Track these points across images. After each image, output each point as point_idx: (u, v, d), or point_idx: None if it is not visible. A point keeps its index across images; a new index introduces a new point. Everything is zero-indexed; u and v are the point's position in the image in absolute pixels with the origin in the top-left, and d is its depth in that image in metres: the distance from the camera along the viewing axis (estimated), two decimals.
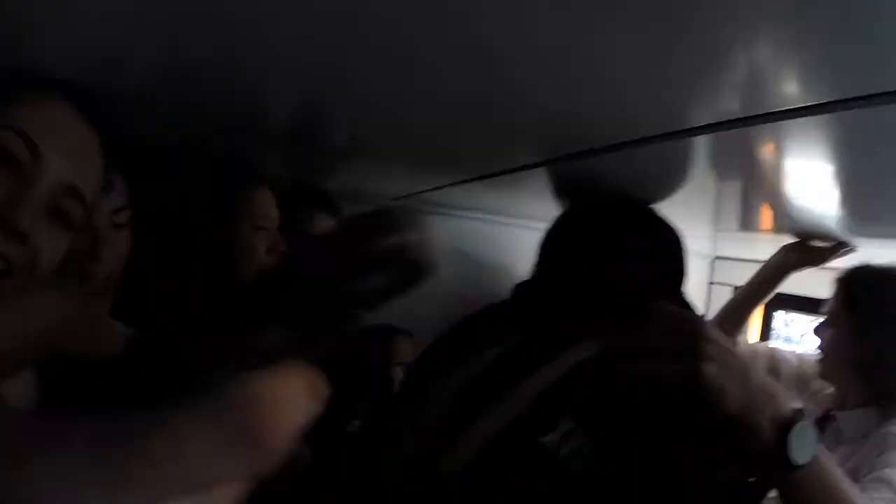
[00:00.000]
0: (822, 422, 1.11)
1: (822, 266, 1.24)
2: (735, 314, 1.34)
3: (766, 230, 1.30)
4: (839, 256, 1.20)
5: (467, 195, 1.34)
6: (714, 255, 1.83)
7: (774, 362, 1.31)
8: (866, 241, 1.15)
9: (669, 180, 0.85)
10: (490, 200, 1.43)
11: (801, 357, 1.32)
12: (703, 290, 1.86)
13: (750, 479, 0.64)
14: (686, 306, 0.74)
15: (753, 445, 0.59)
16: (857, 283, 1.13)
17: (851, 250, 1.17)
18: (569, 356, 0.64)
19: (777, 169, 0.73)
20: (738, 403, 0.58)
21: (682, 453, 0.60)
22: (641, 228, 0.81)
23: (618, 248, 0.77)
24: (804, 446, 0.59)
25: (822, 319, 1.17)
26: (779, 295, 1.33)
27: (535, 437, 0.59)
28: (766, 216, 1.19)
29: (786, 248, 1.26)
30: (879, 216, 1.00)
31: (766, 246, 1.37)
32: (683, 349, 0.58)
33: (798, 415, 0.60)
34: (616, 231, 0.80)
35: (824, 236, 1.18)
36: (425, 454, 0.66)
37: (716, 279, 1.85)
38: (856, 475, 0.97)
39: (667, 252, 0.80)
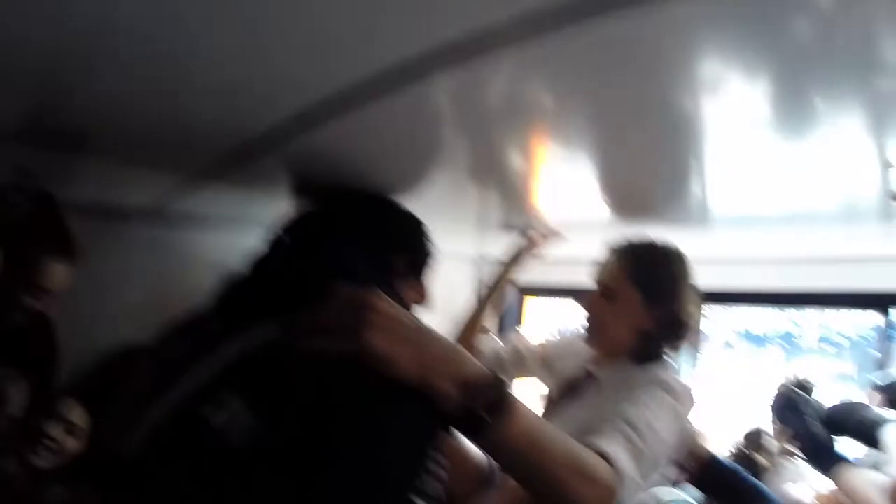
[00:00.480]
0: (583, 384, 1.18)
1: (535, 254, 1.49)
2: (480, 308, 1.47)
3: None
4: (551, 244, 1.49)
5: (210, 203, 1.34)
6: (485, 257, 1.94)
7: (518, 353, 1.38)
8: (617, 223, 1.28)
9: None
10: (233, 206, 1.45)
11: (544, 343, 1.39)
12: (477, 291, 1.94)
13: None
14: (394, 294, 0.71)
15: (441, 408, 0.59)
16: (639, 257, 1.15)
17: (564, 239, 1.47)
18: (248, 337, 0.64)
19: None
20: (413, 371, 0.58)
21: (358, 424, 0.59)
22: (349, 219, 0.90)
23: (320, 238, 0.84)
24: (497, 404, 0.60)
25: (591, 290, 1.18)
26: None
27: (196, 410, 0.60)
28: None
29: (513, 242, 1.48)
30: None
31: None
32: (349, 324, 0.58)
33: (491, 374, 0.62)
34: (325, 221, 0.88)
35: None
36: (111, 438, 0.68)
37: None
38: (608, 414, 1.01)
39: (376, 241, 0.88)
